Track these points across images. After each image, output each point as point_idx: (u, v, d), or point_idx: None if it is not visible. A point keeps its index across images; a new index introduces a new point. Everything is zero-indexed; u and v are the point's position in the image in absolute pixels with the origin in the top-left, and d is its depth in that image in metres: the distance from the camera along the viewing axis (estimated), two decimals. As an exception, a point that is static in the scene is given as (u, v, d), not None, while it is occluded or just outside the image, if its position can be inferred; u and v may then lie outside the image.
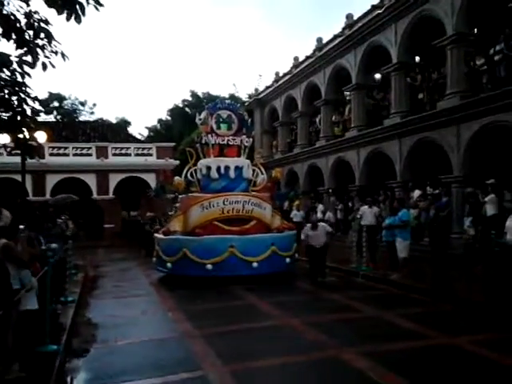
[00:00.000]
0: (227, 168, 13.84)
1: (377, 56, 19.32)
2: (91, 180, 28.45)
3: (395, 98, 17.96)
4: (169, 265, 12.78)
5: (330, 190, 22.50)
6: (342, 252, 14.96)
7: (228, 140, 14.45)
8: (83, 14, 5.57)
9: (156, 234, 14.68)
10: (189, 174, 14.67)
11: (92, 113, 53.08)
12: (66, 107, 51.80)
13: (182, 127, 46.46)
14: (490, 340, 6.80)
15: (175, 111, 52.59)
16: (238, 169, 14.01)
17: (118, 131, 36.52)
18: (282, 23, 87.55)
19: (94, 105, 53.67)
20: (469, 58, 14.95)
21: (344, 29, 21.11)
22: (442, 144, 15.39)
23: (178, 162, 29.00)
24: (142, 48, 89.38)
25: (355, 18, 20.52)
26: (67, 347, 6.84)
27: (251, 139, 15.27)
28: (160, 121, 54.79)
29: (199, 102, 48.16)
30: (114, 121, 51.18)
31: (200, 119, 14.79)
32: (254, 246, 12.49)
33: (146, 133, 54.13)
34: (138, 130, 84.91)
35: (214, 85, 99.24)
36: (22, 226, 6.15)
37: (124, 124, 51.90)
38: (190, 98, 52.12)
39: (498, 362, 5.95)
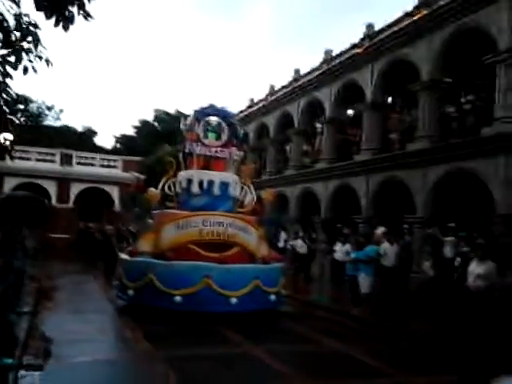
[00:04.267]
0: (211, 183, 12.12)
1: (351, 92, 19.81)
2: (51, 187, 27.64)
3: (366, 135, 18.40)
4: (130, 292, 10.93)
5: (295, 220, 22.66)
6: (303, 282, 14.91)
7: (215, 151, 12.90)
8: (71, 22, 5.52)
9: (121, 254, 12.93)
10: (166, 187, 12.88)
11: (58, 119, 51.75)
12: (31, 110, 50.43)
13: (149, 143, 45.96)
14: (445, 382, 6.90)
15: (142, 126, 51.99)
16: (224, 185, 12.26)
17: (83, 140, 35.89)
18: (250, 43, 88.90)
19: (61, 111, 52.31)
20: (440, 105, 15.51)
21: (322, 63, 21.62)
22: (409, 184, 15.78)
23: (143, 176, 28.59)
24: (112, 60, 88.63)
25: (334, 53, 21.08)
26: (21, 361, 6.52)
27: (242, 153, 13.74)
28: (124, 136, 53.81)
29: (169, 119, 47.93)
30: (80, 129, 50.23)
31: (185, 125, 13.25)
32: (234, 277, 10.64)
33: (109, 145, 53.08)
34: (103, 141, 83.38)
35: (182, 103, 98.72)
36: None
37: (90, 133, 50.95)
38: (157, 114, 51.78)
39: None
